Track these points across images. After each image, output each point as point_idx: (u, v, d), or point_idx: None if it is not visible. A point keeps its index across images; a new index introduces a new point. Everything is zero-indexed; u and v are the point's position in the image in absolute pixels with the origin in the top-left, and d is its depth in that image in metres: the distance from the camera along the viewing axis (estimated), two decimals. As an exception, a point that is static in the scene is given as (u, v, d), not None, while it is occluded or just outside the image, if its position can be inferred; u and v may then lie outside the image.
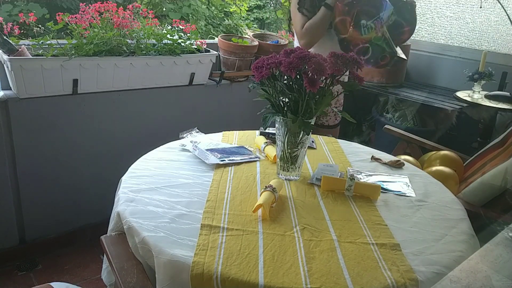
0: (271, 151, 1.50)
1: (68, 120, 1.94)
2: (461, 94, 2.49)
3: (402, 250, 1.02)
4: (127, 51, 1.96)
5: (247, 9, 5.42)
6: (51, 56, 1.76)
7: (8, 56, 1.69)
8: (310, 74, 1.15)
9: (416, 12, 1.97)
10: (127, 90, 2.06)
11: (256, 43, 2.48)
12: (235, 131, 1.76)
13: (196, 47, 2.19)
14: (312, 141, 1.69)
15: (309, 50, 2.03)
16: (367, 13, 1.82)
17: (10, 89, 1.83)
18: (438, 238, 1.09)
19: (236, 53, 2.39)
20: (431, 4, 2.99)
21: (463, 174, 1.93)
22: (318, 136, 1.81)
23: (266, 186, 1.19)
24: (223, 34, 2.61)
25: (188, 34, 2.18)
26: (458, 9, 2.86)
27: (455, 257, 1.01)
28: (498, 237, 0.80)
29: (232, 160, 1.45)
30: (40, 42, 1.79)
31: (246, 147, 1.58)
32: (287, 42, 2.64)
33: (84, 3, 1.89)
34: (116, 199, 1.21)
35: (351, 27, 1.82)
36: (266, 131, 1.61)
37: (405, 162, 1.58)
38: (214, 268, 0.90)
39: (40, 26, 1.87)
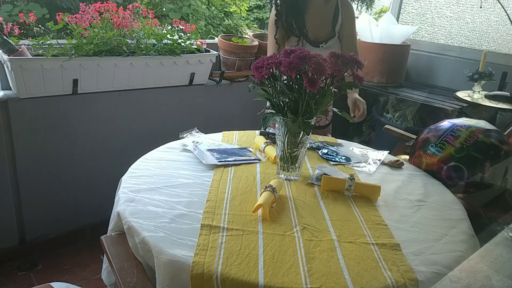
0: (271, 151, 1.50)
1: (68, 120, 1.94)
2: (461, 94, 2.49)
3: (402, 250, 1.02)
4: (127, 51, 1.96)
5: (247, 9, 5.42)
6: (51, 56, 1.76)
7: (8, 56, 1.69)
8: (310, 74, 1.15)
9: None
10: (127, 90, 2.06)
11: (256, 43, 2.48)
12: (235, 131, 1.76)
13: (196, 47, 2.19)
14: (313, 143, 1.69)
15: None
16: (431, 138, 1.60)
17: (10, 89, 1.83)
18: (438, 238, 1.09)
19: (236, 53, 2.39)
20: (431, 4, 2.99)
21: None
22: (318, 136, 1.81)
23: (266, 186, 1.18)
24: (223, 34, 2.61)
25: (188, 34, 2.18)
26: (458, 9, 2.86)
27: (455, 257, 1.01)
28: (498, 237, 0.80)
29: (231, 161, 1.45)
30: (40, 42, 1.79)
31: (249, 149, 1.58)
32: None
33: (84, 3, 1.89)
34: (116, 199, 1.21)
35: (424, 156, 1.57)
36: (266, 131, 1.61)
37: (405, 162, 1.58)
38: (214, 268, 0.90)
39: (40, 26, 1.87)
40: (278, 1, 1.87)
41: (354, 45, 1.97)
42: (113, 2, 1.93)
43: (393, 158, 1.60)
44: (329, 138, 1.80)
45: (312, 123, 1.25)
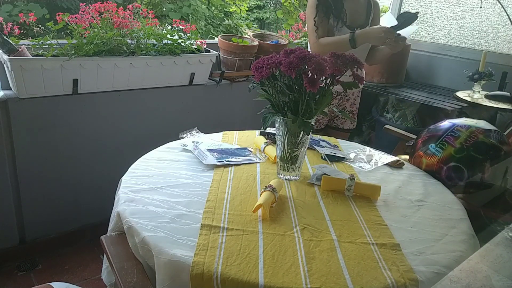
0: (271, 151, 1.50)
1: (68, 120, 1.94)
2: (461, 94, 2.49)
3: (402, 250, 1.02)
4: (127, 51, 1.96)
5: (247, 9, 5.42)
6: (51, 56, 1.76)
7: (8, 56, 1.69)
8: (310, 74, 1.15)
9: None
10: (127, 90, 2.06)
11: (256, 43, 2.48)
12: (235, 131, 1.76)
13: (196, 47, 2.19)
14: (320, 141, 1.70)
15: None
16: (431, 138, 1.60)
17: (10, 89, 1.83)
18: (438, 238, 1.09)
19: (236, 53, 2.39)
20: (431, 4, 2.99)
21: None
22: (318, 136, 1.81)
23: (266, 186, 1.19)
24: (223, 34, 2.61)
25: (188, 34, 2.18)
26: (458, 9, 2.86)
27: (455, 257, 1.01)
28: (498, 237, 0.80)
29: (231, 161, 1.45)
30: (40, 42, 1.79)
31: (249, 149, 1.58)
32: (287, 42, 2.64)
33: (84, 3, 1.89)
34: (116, 199, 1.21)
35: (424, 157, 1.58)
36: (266, 131, 1.61)
37: (405, 162, 1.58)
38: (214, 268, 0.90)
39: (40, 26, 1.87)
40: None
41: None
42: (113, 2, 1.92)
43: (393, 158, 1.60)
44: (328, 138, 1.80)
45: (312, 123, 1.25)
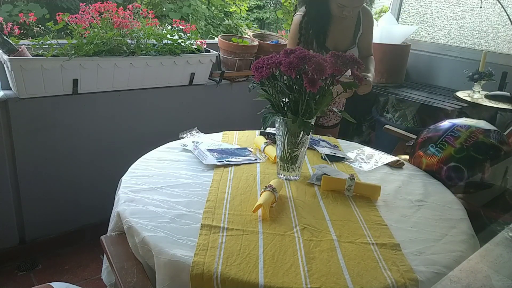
0: (271, 151, 1.50)
1: (68, 120, 1.94)
2: (461, 94, 2.49)
3: (402, 250, 1.02)
4: (127, 51, 1.96)
5: (247, 9, 5.41)
6: (51, 56, 1.76)
7: (8, 56, 1.69)
8: (310, 74, 1.15)
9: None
10: (127, 90, 2.06)
11: (256, 43, 2.48)
12: (235, 131, 1.76)
13: (196, 47, 2.19)
14: (320, 141, 1.70)
15: None
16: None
17: (10, 89, 1.83)
18: (438, 238, 1.09)
19: (236, 53, 2.39)
20: (431, 4, 2.99)
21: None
22: (318, 136, 1.81)
23: (266, 186, 1.19)
24: (223, 34, 2.61)
25: (188, 34, 2.18)
26: (458, 9, 2.86)
27: (455, 257, 1.01)
28: (498, 237, 0.80)
29: (231, 161, 1.45)
30: (40, 42, 1.79)
31: (249, 149, 1.58)
32: (287, 42, 2.64)
33: (84, 3, 1.89)
34: (116, 199, 1.21)
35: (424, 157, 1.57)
36: (266, 131, 1.61)
37: (405, 162, 1.58)
38: (214, 268, 0.90)
39: (40, 26, 1.87)
40: (303, 24, 1.97)
41: (370, 51, 2.11)
42: (113, 2, 1.92)
43: (393, 158, 1.60)
44: (328, 138, 1.80)
45: (312, 123, 1.25)
